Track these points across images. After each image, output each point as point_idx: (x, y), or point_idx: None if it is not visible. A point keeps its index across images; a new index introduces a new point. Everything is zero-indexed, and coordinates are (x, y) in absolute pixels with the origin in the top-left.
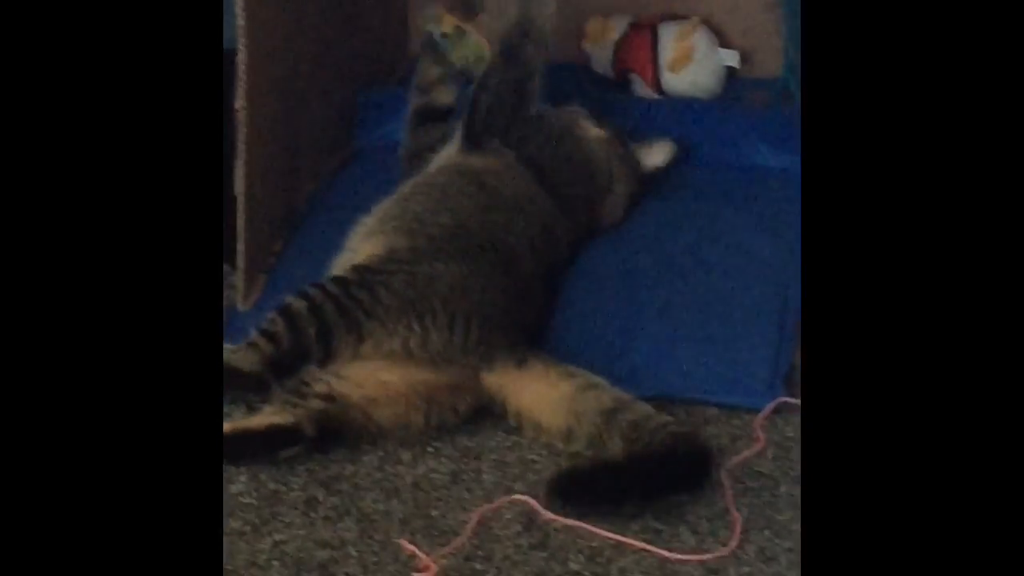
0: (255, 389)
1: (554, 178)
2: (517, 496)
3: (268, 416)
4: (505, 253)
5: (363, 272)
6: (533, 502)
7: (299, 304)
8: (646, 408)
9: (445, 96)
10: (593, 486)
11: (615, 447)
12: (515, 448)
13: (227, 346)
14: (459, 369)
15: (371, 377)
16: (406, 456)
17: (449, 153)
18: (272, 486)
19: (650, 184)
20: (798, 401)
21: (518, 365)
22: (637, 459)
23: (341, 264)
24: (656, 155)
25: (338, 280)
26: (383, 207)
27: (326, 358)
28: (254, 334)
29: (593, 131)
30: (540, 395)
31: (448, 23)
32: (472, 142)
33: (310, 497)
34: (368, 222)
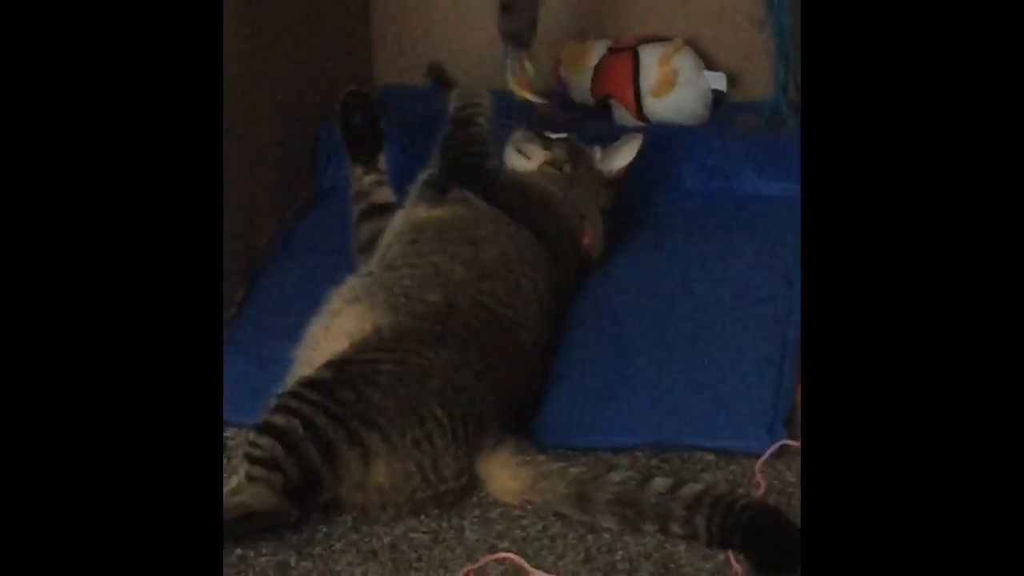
0: (279, 523)
1: (529, 226)
2: (503, 554)
3: (246, 494)
4: (501, 328)
5: (342, 368)
6: (519, 559)
7: (288, 421)
8: (612, 480)
9: (385, 196)
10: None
11: (608, 521)
12: (498, 503)
13: (229, 485)
14: (456, 465)
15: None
16: (383, 515)
17: (414, 211)
18: (239, 551)
19: (622, 183)
20: (799, 444)
21: (492, 449)
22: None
23: (321, 325)
24: (625, 155)
25: (316, 384)
26: (370, 269)
27: (335, 479)
28: (249, 466)
29: (537, 155)
30: (504, 486)
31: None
32: (439, 191)
33: (281, 562)
34: (353, 283)
